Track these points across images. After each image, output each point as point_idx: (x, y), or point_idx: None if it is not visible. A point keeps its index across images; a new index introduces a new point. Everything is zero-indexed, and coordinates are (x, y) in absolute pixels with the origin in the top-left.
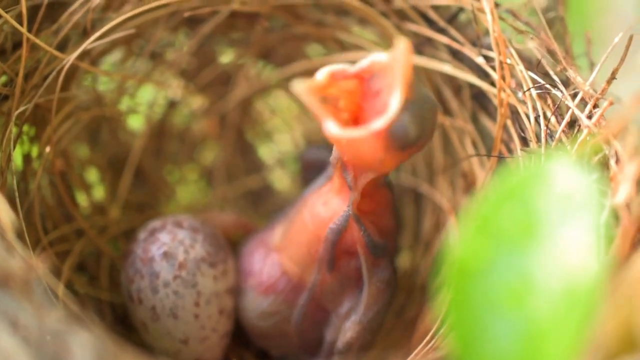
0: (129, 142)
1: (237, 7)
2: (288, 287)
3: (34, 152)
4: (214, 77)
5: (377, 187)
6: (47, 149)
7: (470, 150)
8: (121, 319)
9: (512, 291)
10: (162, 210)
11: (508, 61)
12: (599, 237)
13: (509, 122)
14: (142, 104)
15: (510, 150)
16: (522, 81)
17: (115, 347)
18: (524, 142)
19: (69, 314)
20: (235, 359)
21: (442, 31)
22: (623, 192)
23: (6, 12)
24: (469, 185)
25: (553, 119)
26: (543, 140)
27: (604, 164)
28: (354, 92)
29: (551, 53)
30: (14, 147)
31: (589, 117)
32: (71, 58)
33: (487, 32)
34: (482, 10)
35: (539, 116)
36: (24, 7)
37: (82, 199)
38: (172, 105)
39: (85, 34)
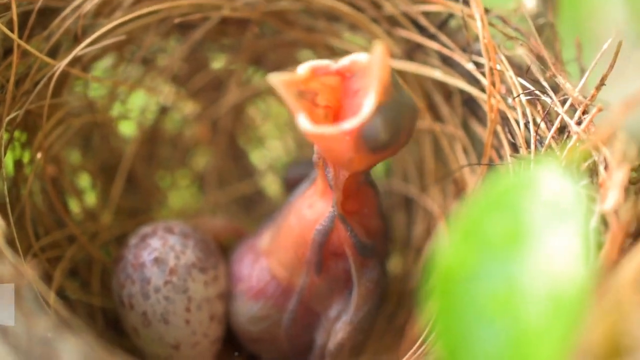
0: (120, 148)
1: (228, 13)
2: (277, 291)
3: (26, 158)
4: (205, 83)
5: (359, 186)
6: (39, 155)
7: (461, 155)
8: (113, 324)
9: (498, 298)
10: (154, 216)
11: (498, 67)
12: (586, 244)
13: (499, 128)
14: (133, 110)
15: (500, 156)
16: (512, 87)
17: (105, 353)
18: (514, 148)
19: (59, 320)
20: None
21: (432, 37)
22: (611, 198)
23: None
24: (460, 190)
25: (543, 125)
26: (533, 146)
27: (593, 170)
28: (336, 89)
29: (541, 59)
30: (5, 153)
31: (578, 123)
32: (62, 64)
33: (477, 38)
34: (472, 17)
35: (528, 122)
36: (14, 13)
37: (73, 204)
38: (163, 111)
39: (76, 40)
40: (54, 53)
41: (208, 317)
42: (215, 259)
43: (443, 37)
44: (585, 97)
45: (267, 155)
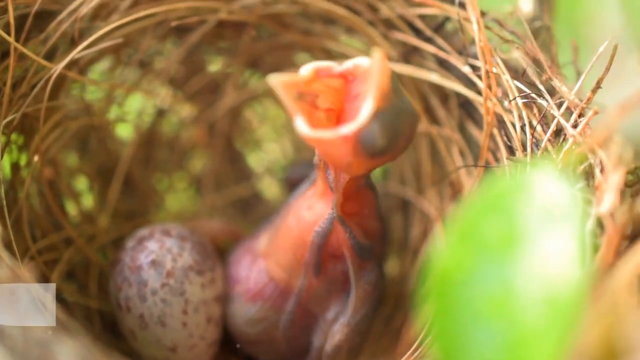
0: (117, 151)
1: (225, 16)
2: (275, 293)
3: (23, 160)
4: (202, 86)
5: (358, 188)
6: (36, 158)
7: (457, 158)
8: (110, 327)
9: (495, 300)
10: (151, 219)
11: (494, 70)
12: (582, 246)
13: (495, 131)
14: (130, 113)
15: (497, 159)
16: (508, 90)
17: (102, 355)
18: (510, 150)
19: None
20: None
21: (429, 40)
22: (607, 201)
23: None
24: (456, 193)
25: (539, 128)
26: (529, 149)
27: (589, 173)
28: (339, 90)
29: (537, 62)
30: (2, 156)
31: (574, 126)
32: (59, 67)
33: (473, 41)
34: (468, 20)
35: (524, 125)
36: (11, 16)
37: (70, 207)
38: (160, 113)
39: (73, 43)
40: (50, 56)
41: (205, 320)
42: (212, 262)
43: (439, 40)
44: (581, 100)
45: (264, 158)
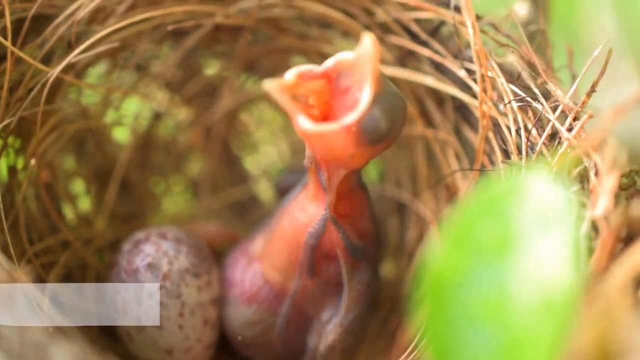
0: (114, 154)
1: (221, 20)
2: (270, 295)
3: (20, 164)
4: (199, 89)
5: (351, 188)
6: (33, 161)
7: (453, 161)
8: (106, 329)
9: (489, 303)
10: (148, 222)
11: (489, 74)
12: (576, 250)
13: (491, 134)
14: (127, 116)
15: (492, 162)
16: (504, 94)
17: (99, 358)
18: (506, 154)
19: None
20: None
21: (424, 44)
22: (602, 204)
23: None
24: (452, 196)
25: (534, 131)
26: (524, 152)
27: (584, 176)
28: (321, 92)
29: (532, 66)
30: None
31: (569, 129)
32: (56, 71)
33: (468, 45)
34: (463, 24)
35: (520, 128)
36: (8, 20)
37: (67, 210)
38: (157, 117)
39: (70, 47)
40: (47, 60)
41: (201, 322)
42: (208, 265)
43: (435, 44)
44: (576, 104)
45: (261, 161)
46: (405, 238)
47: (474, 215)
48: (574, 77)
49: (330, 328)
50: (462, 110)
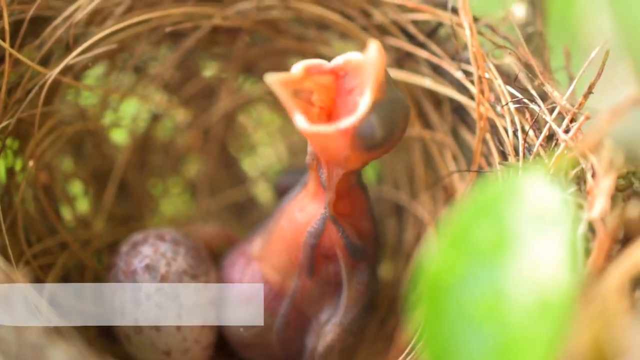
0: (112, 156)
1: (219, 22)
2: (269, 296)
3: (18, 165)
4: (197, 91)
5: (351, 187)
6: (31, 163)
7: (450, 163)
8: (104, 331)
9: (485, 304)
10: (146, 223)
11: (487, 76)
12: (572, 251)
13: (488, 136)
14: (125, 118)
15: (490, 164)
16: (501, 95)
17: (97, 359)
18: (503, 155)
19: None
20: None
21: (422, 46)
22: (598, 206)
23: None
24: (449, 197)
25: (531, 133)
26: (521, 153)
27: (581, 178)
28: (329, 87)
29: (529, 67)
30: None
31: (566, 131)
32: (54, 73)
33: (466, 47)
34: (461, 25)
35: (517, 130)
36: (6, 22)
37: (66, 212)
38: (155, 118)
39: (68, 48)
40: (45, 62)
41: (199, 324)
42: (206, 266)
43: (432, 46)
44: (573, 106)
45: (259, 162)
46: (403, 239)
47: (471, 216)
48: (571, 79)
49: (329, 328)
50: (460, 112)
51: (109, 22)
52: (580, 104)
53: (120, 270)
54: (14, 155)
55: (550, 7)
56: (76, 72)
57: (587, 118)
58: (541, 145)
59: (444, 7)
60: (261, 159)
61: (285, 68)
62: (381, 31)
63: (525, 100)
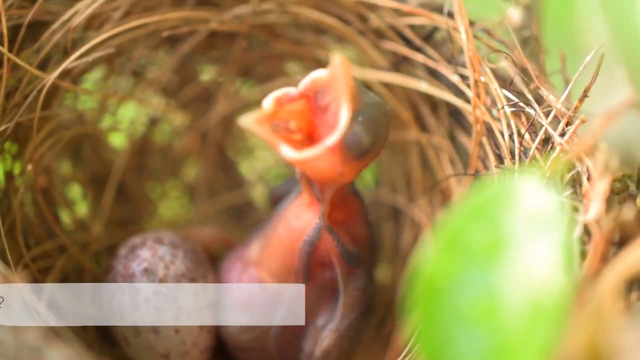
0: (111, 159)
1: (216, 26)
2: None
3: (16, 169)
4: (194, 95)
5: (345, 196)
6: (29, 167)
7: (447, 166)
8: (103, 334)
9: (480, 307)
10: (144, 227)
11: (483, 79)
12: (566, 254)
13: (484, 139)
14: (123, 122)
15: (486, 167)
16: (497, 99)
17: None
18: (499, 159)
19: (48, 329)
20: None
21: (418, 50)
22: (593, 208)
23: None
24: (446, 200)
25: (527, 136)
26: (517, 157)
27: (577, 181)
28: (303, 112)
29: (525, 71)
30: None
31: (562, 134)
32: (52, 77)
33: (462, 51)
34: (457, 29)
35: (513, 133)
36: (4, 27)
37: (64, 215)
38: (153, 122)
39: (66, 53)
40: (43, 66)
41: (198, 327)
42: (204, 269)
43: (429, 50)
44: (568, 109)
45: (257, 165)
46: (400, 242)
47: (466, 219)
48: (566, 83)
49: (325, 333)
50: (456, 116)
51: (106, 27)
52: (575, 108)
53: (119, 273)
54: (12, 159)
55: (545, 11)
56: (74, 76)
57: (583, 121)
58: (537, 148)
59: (440, 11)
60: (259, 162)
61: (283, 72)
62: (378, 35)
63: (521, 104)
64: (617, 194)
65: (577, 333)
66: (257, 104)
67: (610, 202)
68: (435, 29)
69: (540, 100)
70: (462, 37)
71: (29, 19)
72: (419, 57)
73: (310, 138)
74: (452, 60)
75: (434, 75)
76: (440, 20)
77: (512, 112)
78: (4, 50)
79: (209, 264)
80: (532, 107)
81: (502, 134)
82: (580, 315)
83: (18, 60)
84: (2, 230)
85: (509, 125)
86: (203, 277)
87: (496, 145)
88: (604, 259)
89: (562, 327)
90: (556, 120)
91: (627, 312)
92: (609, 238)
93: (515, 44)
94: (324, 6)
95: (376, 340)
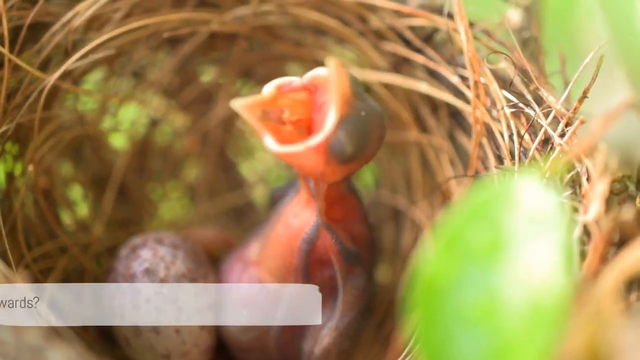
0: (111, 160)
1: (217, 27)
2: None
3: (17, 170)
4: (195, 96)
5: (342, 194)
6: (30, 167)
7: (447, 167)
8: (104, 334)
9: (480, 307)
10: (145, 227)
11: (482, 80)
12: (566, 254)
13: (484, 140)
14: (124, 123)
15: (486, 168)
16: (497, 100)
17: None
18: (499, 159)
19: (49, 329)
20: None
21: (418, 51)
22: (593, 209)
23: None
24: (446, 201)
25: (527, 137)
26: (517, 157)
27: (576, 181)
28: (306, 103)
29: (524, 72)
30: None
31: (562, 135)
32: (53, 78)
33: (462, 52)
34: (456, 31)
35: (513, 134)
36: (5, 28)
37: (65, 216)
38: (154, 123)
39: (66, 54)
40: (44, 67)
41: (198, 327)
42: (205, 270)
43: (429, 51)
44: (568, 110)
45: (257, 166)
46: (400, 243)
47: (466, 219)
48: (566, 84)
49: (325, 332)
50: (456, 116)
51: (107, 28)
52: (575, 108)
53: (120, 274)
54: (13, 160)
55: (545, 12)
56: (75, 77)
57: (582, 122)
58: (537, 149)
59: (440, 12)
60: (259, 163)
61: (283, 73)
62: (378, 36)
63: (521, 105)
64: (617, 195)
65: (577, 333)
66: None
67: (609, 203)
68: (435, 30)
69: (539, 101)
70: (462, 38)
71: (30, 20)
72: (419, 58)
73: (309, 129)
74: (452, 61)
75: (434, 76)
76: (440, 22)
77: (512, 112)
78: (5, 51)
79: (210, 264)
80: (531, 107)
81: (502, 134)
82: (580, 315)
83: (19, 62)
84: (4, 230)
85: (508, 126)
86: (204, 278)
87: (496, 146)
88: (604, 260)
89: (562, 327)
90: (556, 121)
91: (626, 312)
92: (608, 238)
93: (515, 45)
94: (324, 7)
95: (376, 341)
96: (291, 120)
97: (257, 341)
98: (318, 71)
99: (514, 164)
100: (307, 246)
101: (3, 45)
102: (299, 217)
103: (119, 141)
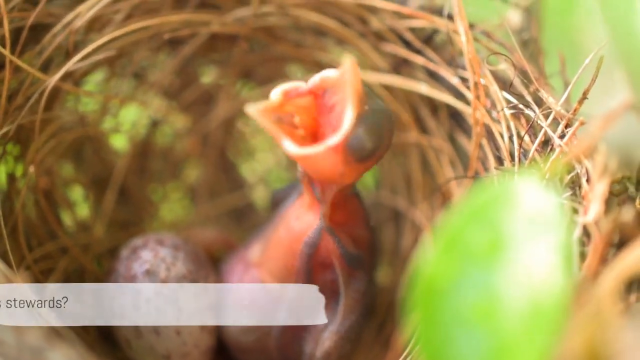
0: (112, 161)
1: (217, 29)
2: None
3: (18, 171)
4: (196, 97)
5: (346, 197)
6: (31, 168)
7: (447, 168)
8: (105, 335)
9: (479, 308)
10: (146, 228)
11: (482, 81)
12: (566, 255)
13: (484, 141)
14: (125, 124)
15: (486, 169)
16: (496, 101)
17: None
18: (499, 160)
19: (50, 330)
20: None
21: (418, 52)
22: (593, 210)
23: None
24: (446, 202)
25: (527, 138)
26: (517, 159)
27: (576, 182)
28: (309, 108)
29: (524, 73)
30: None
31: (561, 136)
32: (54, 79)
33: (462, 53)
34: (456, 32)
35: (512, 135)
36: (6, 29)
37: (66, 217)
38: (154, 124)
39: (67, 55)
40: (45, 68)
41: (199, 328)
42: (205, 271)
43: (429, 52)
44: (568, 111)
45: (257, 167)
46: (400, 244)
47: (465, 220)
48: (566, 85)
49: (326, 335)
50: (456, 118)
51: (108, 29)
52: (575, 110)
53: (120, 274)
54: (14, 161)
55: (545, 14)
56: (76, 79)
57: (582, 123)
58: (536, 150)
59: (440, 14)
60: (260, 164)
61: (283, 74)
62: (378, 38)
63: (521, 106)
64: (616, 196)
65: (576, 333)
66: None
67: (609, 204)
68: (435, 31)
69: (539, 102)
70: (462, 39)
71: (31, 21)
72: (419, 60)
73: (314, 136)
74: (452, 62)
75: (434, 77)
76: (440, 23)
77: (512, 114)
78: (6, 52)
79: (210, 265)
80: (531, 109)
81: (501, 135)
82: (579, 316)
83: (20, 63)
84: (5, 231)
85: (508, 127)
86: (204, 279)
87: (496, 147)
88: (603, 260)
89: (561, 327)
90: (555, 122)
91: (626, 312)
92: (608, 239)
93: (515, 46)
94: (324, 9)
95: (377, 342)
96: (303, 124)
97: (258, 342)
98: (326, 73)
99: (514, 165)
100: (310, 249)
101: (4, 47)
102: (301, 220)
103: (119, 142)
